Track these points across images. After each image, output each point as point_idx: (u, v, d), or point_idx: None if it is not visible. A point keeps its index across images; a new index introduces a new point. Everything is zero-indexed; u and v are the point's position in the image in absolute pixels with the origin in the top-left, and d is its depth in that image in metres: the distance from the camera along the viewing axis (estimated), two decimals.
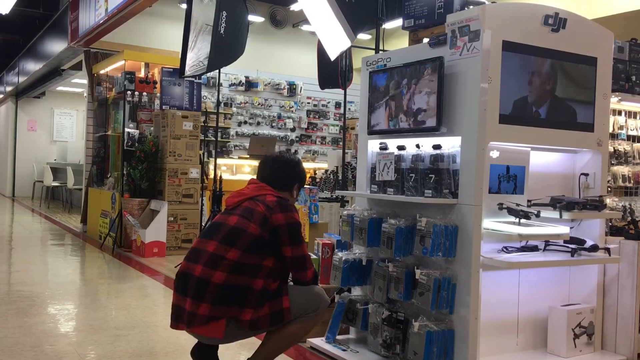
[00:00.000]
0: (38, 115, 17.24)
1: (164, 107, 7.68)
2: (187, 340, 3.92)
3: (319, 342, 3.70)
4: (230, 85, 11.45)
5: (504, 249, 3.31)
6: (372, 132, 3.65)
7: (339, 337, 3.74)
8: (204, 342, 2.95)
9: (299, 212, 5.22)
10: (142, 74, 8.29)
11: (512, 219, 3.19)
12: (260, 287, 2.82)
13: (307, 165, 11.15)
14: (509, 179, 3.30)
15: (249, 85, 11.63)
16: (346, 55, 5.74)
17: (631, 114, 4.44)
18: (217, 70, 6.62)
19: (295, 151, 11.76)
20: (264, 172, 3.13)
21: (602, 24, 3.62)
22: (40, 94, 16.81)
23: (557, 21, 3.31)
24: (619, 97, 4.01)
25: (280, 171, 3.11)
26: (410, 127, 3.35)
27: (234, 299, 2.78)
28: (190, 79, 7.37)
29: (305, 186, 5.72)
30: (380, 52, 4.09)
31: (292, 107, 11.98)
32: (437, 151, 3.18)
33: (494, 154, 3.22)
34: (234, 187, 3.72)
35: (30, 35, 14.62)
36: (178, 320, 2.84)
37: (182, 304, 2.82)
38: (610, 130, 4.03)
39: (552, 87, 3.34)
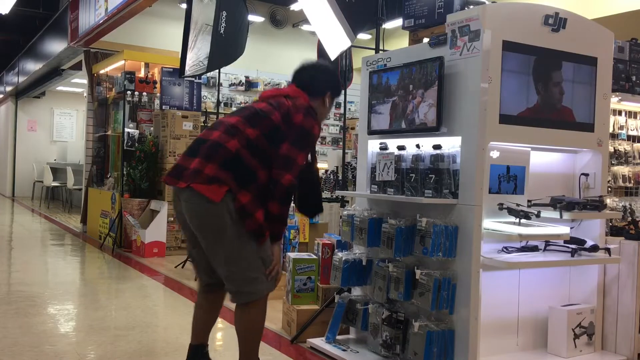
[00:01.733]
0: (38, 115, 17.24)
1: (164, 107, 7.68)
2: (186, 340, 3.90)
3: (319, 342, 3.70)
4: (230, 85, 11.44)
5: (504, 249, 3.31)
6: (372, 132, 3.65)
7: (339, 337, 3.74)
8: (189, 215, 2.78)
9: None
10: (142, 74, 8.29)
11: (512, 219, 3.18)
12: (263, 181, 2.75)
13: None
14: (509, 179, 3.30)
15: (249, 85, 11.62)
16: (346, 55, 5.74)
17: (631, 114, 4.44)
18: (217, 70, 6.62)
19: None
20: (300, 75, 3.12)
21: (602, 24, 3.62)
22: (40, 94, 16.81)
23: (557, 21, 3.31)
24: (619, 97, 4.01)
25: (312, 74, 3.12)
26: (410, 127, 3.35)
27: (240, 174, 2.71)
28: (190, 79, 7.37)
29: None
30: (380, 52, 4.08)
31: None
32: (437, 151, 3.18)
33: (494, 154, 3.22)
34: None
35: (30, 35, 14.62)
36: (178, 177, 2.77)
37: (186, 164, 2.78)
38: (611, 130, 4.02)
39: (552, 87, 3.34)
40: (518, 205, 3.20)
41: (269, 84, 11.82)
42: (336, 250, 3.85)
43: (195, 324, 3.12)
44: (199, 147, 2.81)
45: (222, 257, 2.80)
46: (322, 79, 3.12)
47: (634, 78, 4.14)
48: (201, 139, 2.87)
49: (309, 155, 3.00)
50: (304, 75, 3.10)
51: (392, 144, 3.50)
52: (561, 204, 3.31)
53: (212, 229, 2.76)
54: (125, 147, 7.87)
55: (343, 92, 5.95)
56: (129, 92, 8.00)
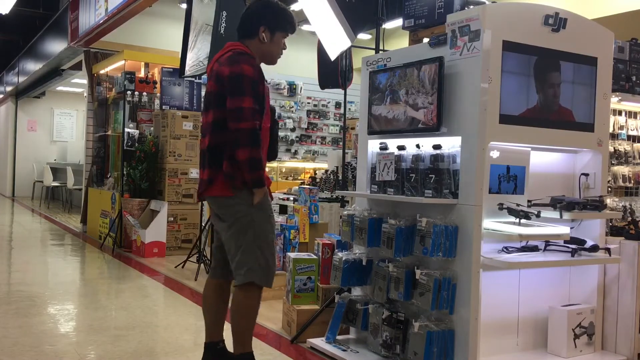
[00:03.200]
0: (38, 115, 17.25)
1: (164, 107, 7.68)
2: (186, 340, 3.92)
3: (319, 342, 3.70)
4: None
5: (504, 249, 3.31)
6: (372, 132, 3.65)
7: (339, 337, 3.74)
8: (216, 211, 3.06)
9: (299, 211, 5.21)
10: (142, 74, 8.29)
11: (512, 219, 3.18)
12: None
13: (307, 165, 11.16)
14: (509, 179, 3.30)
15: None
16: (346, 55, 5.73)
17: (631, 114, 4.44)
18: None
19: (295, 151, 11.75)
20: (238, 25, 3.12)
21: (602, 24, 3.62)
22: (40, 94, 16.82)
23: (557, 21, 3.31)
24: (619, 97, 4.01)
25: (243, 17, 3.11)
26: (410, 127, 3.35)
27: (221, 155, 2.92)
28: (190, 79, 7.37)
29: (305, 186, 5.72)
30: (380, 52, 4.08)
31: (292, 107, 11.98)
32: (437, 151, 3.18)
33: (494, 154, 3.22)
34: None
35: (30, 35, 14.63)
36: (198, 192, 3.12)
37: (201, 177, 3.10)
38: (611, 130, 4.02)
39: (552, 87, 3.34)
40: (518, 205, 3.20)
41: (269, 84, 11.82)
42: (336, 250, 3.85)
43: (205, 319, 3.19)
44: (200, 159, 3.12)
45: (229, 238, 3.00)
46: (252, 14, 3.08)
47: (634, 78, 4.14)
48: (200, 151, 3.14)
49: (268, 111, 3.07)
50: (240, 22, 3.11)
51: (392, 144, 3.50)
52: (561, 204, 3.31)
53: (226, 218, 3.00)
54: (125, 147, 7.87)
55: (343, 90, 5.94)
56: (129, 92, 8.00)
